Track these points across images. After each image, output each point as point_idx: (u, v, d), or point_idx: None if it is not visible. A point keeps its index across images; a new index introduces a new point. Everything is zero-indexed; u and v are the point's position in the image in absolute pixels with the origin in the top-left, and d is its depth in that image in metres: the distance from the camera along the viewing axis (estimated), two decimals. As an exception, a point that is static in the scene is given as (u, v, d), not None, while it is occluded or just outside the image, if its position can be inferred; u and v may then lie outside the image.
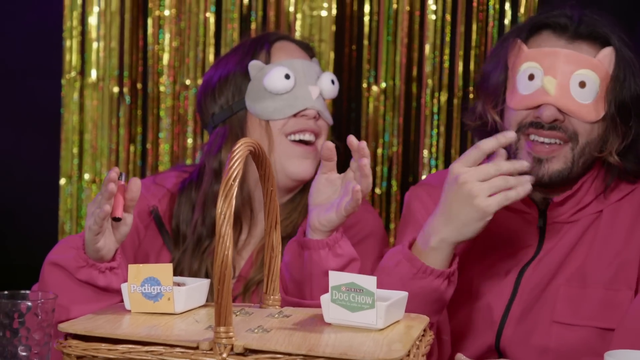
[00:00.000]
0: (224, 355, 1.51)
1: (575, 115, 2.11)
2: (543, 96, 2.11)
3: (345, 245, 2.10)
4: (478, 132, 2.26)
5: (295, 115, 2.31)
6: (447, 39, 2.97)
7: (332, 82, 2.37)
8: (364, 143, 2.04)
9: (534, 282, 2.17)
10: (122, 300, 1.79)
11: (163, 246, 2.37)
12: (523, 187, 2.00)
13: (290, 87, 2.31)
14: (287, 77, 2.31)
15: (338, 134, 3.05)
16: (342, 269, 2.04)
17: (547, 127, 2.11)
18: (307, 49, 2.43)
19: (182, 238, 2.36)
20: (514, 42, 2.18)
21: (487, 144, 2.01)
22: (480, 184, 1.98)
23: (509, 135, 2.02)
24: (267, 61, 2.35)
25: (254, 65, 2.34)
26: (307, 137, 2.32)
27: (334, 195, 2.08)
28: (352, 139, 2.06)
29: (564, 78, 2.11)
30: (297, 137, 2.32)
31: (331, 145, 2.10)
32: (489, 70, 2.24)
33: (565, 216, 2.18)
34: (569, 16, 2.16)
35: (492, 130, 2.21)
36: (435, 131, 2.99)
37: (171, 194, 2.42)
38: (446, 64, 2.97)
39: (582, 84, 2.11)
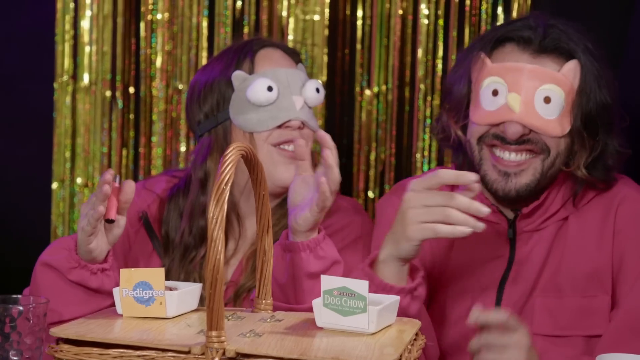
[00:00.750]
0: (216, 359, 1.50)
1: (540, 131, 2.09)
2: (507, 113, 2.09)
3: (328, 248, 2.09)
4: (444, 144, 2.26)
5: (279, 127, 2.29)
6: (440, 43, 2.97)
7: (317, 90, 2.34)
8: (325, 135, 2.04)
9: (514, 299, 2.16)
10: (113, 303, 1.79)
11: (153, 252, 2.36)
12: (462, 229, 1.91)
13: (274, 98, 2.28)
14: (270, 89, 2.28)
15: (332, 137, 3.05)
16: (324, 271, 2.04)
17: (514, 142, 2.09)
18: (294, 54, 2.41)
19: (171, 245, 2.36)
20: (478, 55, 2.16)
21: (445, 176, 1.95)
22: (418, 210, 1.93)
23: (470, 178, 1.93)
24: (251, 71, 2.32)
25: (237, 76, 2.31)
26: (292, 147, 2.28)
27: (309, 195, 2.08)
28: (318, 133, 2.06)
29: (528, 94, 2.09)
30: (282, 147, 2.30)
31: (302, 143, 2.11)
32: (452, 82, 2.23)
33: (533, 225, 2.17)
34: (532, 28, 2.13)
35: (454, 143, 2.21)
36: (427, 135, 2.99)
37: (161, 200, 2.42)
38: (439, 68, 2.98)
39: (547, 100, 2.09)
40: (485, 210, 1.91)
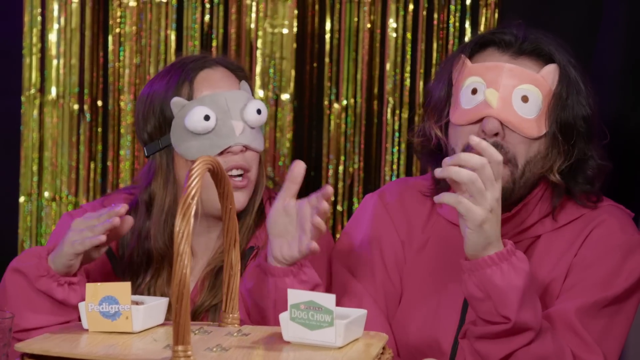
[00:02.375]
0: (182, 374, 1.50)
1: (516, 128, 2.09)
2: (485, 109, 2.10)
3: (309, 271, 2.09)
4: (424, 150, 2.26)
5: (221, 153, 2.26)
6: (408, 56, 2.98)
7: (258, 111, 2.29)
8: (330, 189, 2.06)
9: None
10: (79, 319, 1.78)
11: (111, 272, 2.35)
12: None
13: (211, 127, 2.24)
14: (207, 118, 2.23)
15: (299, 152, 3.05)
16: None
17: (490, 142, 2.07)
18: (237, 70, 2.37)
19: (125, 265, 2.34)
20: (459, 57, 2.19)
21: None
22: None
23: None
24: (190, 96, 2.27)
25: (176, 103, 2.26)
26: (235, 172, 2.27)
27: (290, 226, 2.07)
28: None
29: (506, 91, 2.10)
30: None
31: (302, 166, 2.10)
32: (433, 85, 2.25)
33: (506, 237, 2.09)
34: (514, 34, 2.16)
35: (434, 146, 2.22)
36: (396, 148, 2.99)
37: None
38: (407, 82, 2.98)
39: (525, 99, 2.10)
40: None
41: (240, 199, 2.27)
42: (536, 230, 2.18)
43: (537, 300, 2.00)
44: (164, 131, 2.29)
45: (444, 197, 1.95)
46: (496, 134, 2.09)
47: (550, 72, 2.13)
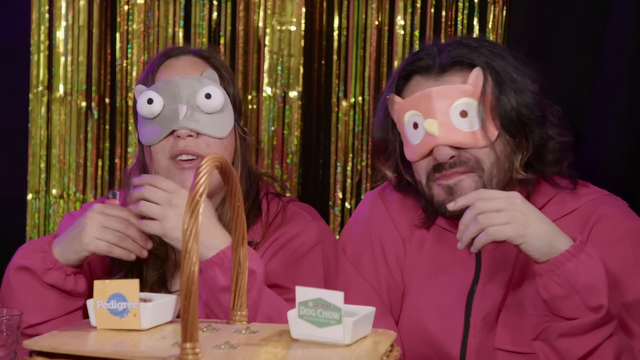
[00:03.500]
0: (190, 371, 1.50)
1: (466, 145, 2.10)
2: (431, 140, 2.11)
3: None
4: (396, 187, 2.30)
5: (169, 137, 2.24)
6: (416, 53, 2.97)
7: (207, 95, 2.25)
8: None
9: (484, 313, 2.15)
10: (83, 307, 1.79)
11: (109, 263, 2.35)
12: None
13: (157, 110, 2.24)
14: (150, 101, 2.24)
15: (307, 149, 3.05)
16: None
17: (448, 166, 2.11)
18: (206, 58, 2.34)
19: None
20: (390, 98, 2.20)
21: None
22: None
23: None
24: (152, 83, 2.29)
25: (137, 90, 2.29)
26: (185, 157, 2.24)
27: None
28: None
29: (443, 115, 2.11)
30: (178, 158, 2.24)
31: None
32: (378, 136, 2.26)
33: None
34: (430, 55, 2.16)
35: (405, 184, 2.27)
36: (404, 146, 2.99)
37: None
38: (415, 79, 2.98)
39: (464, 114, 2.11)
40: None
41: (190, 177, 2.20)
42: None
43: (614, 288, 2.00)
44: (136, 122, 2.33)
45: (478, 245, 1.95)
46: (452, 157, 2.10)
47: (476, 77, 2.12)
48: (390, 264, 2.27)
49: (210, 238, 2.07)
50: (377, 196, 2.36)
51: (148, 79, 2.30)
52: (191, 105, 2.24)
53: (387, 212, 2.32)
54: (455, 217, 2.13)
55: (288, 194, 2.58)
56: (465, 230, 1.95)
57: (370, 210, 2.34)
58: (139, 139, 2.32)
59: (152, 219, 2.11)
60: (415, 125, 2.14)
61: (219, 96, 2.26)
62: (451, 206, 1.99)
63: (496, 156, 2.11)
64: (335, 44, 3.03)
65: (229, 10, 3.07)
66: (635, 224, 2.15)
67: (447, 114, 2.10)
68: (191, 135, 2.23)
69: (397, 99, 2.18)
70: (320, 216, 2.44)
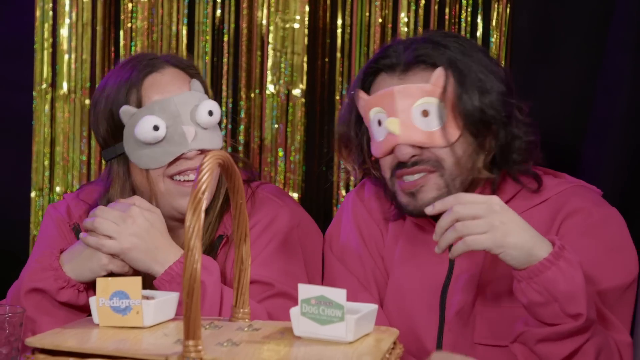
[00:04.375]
0: (193, 369, 1.50)
1: (426, 145, 2.10)
2: (392, 139, 2.11)
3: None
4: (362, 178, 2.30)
5: (175, 159, 2.21)
6: (420, 51, 2.97)
7: (210, 113, 2.22)
8: None
9: (457, 307, 2.15)
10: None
11: None
12: None
13: (162, 135, 2.18)
14: (156, 128, 2.17)
15: (311, 147, 3.05)
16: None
17: (410, 164, 2.11)
18: (188, 68, 2.30)
19: None
20: (356, 93, 2.19)
21: None
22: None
23: None
24: (139, 103, 2.21)
25: (125, 112, 2.20)
26: (191, 176, 2.22)
27: None
28: None
29: (404, 114, 2.10)
30: (181, 177, 2.22)
31: None
32: (341, 130, 2.26)
33: None
34: (395, 52, 2.16)
35: (364, 175, 2.28)
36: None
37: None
38: (418, 77, 2.97)
39: (425, 113, 2.10)
40: None
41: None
42: None
43: (591, 292, 1.98)
44: (118, 138, 2.24)
45: (455, 253, 1.92)
46: (413, 156, 2.10)
47: (439, 77, 2.11)
48: (374, 256, 2.29)
49: (161, 253, 2.11)
50: (355, 194, 2.38)
51: (131, 98, 2.21)
52: (194, 124, 2.21)
53: (364, 207, 2.34)
54: (421, 216, 2.14)
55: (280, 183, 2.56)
56: (442, 236, 1.92)
57: (351, 206, 2.36)
58: (114, 159, 2.27)
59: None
60: (379, 123, 2.14)
61: (218, 110, 2.24)
62: (429, 210, 1.96)
63: (458, 156, 2.11)
64: (339, 41, 3.03)
65: (232, 8, 3.07)
66: (606, 212, 2.14)
67: (408, 113, 2.10)
68: (198, 154, 2.22)
69: (362, 95, 2.17)
70: (290, 197, 2.43)
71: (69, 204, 2.38)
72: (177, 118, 2.19)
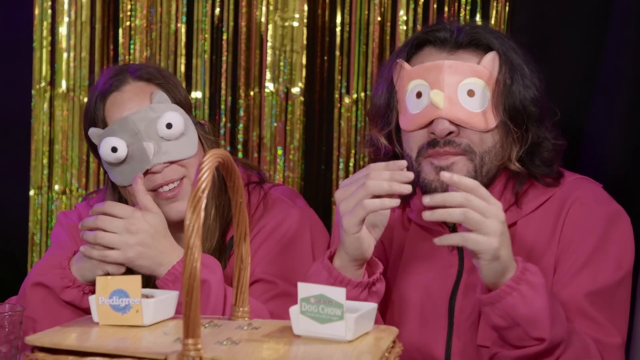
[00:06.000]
0: (192, 367, 1.50)
1: (467, 125, 2.07)
2: (433, 111, 2.07)
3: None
4: (376, 159, 2.22)
5: (145, 174, 2.21)
6: (418, 49, 2.97)
7: (169, 125, 2.21)
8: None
9: (468, 310, 2.13)
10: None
11: None
12: (389, 201, 1.91)
13: (123, 156, 2.20)
14: (114, 150, 2.19)
15: (310, 145, 3.05)
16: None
17: (442, 143, 2.07)
18: (154, 79, 2.29)
19: None
20: (397, 63, 2.16)
21: (376, 167, 1.95)
22: (343, 202, 1.94)
23: (400, 164, 1.93)
24: (104, 123, 2.24)
25: (93, 135, 2.24)
26: (166, 188, 2.23)
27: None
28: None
29: (451, 89, 2.07)
30: (158, 190, 2.23)
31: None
32: (373, 93, 2.23)
33: None
34: (448, 29, 2.13)
35: (385, 156, 2.19)
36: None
37: None
38: (417, 75, 2.97)
39: (471, 93, 2.08)
40: (409, 174, 1.90)
41: (180, 208, 2.22)
42: (510, 218, 2.11)
43: (560, 309, 1.97)
44: (97, 156, 2.28)
45: (449, 240, 1.89)
46: (449, 133, 2.07)
47: (490, 61, 2.10)
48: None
49: (165, 256, 2.11)
50: None
51: (97, 118, 2.24)
52: (154, 139, 2.21)
53: None
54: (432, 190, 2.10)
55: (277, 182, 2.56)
56: (446, 211, 1.87)
57: None
58: (105, 171, 2.29)
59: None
60: (419, 95, 2.10)
61: (179, 120, 2.23)
62: (427, 201, 1.88)
63: (492, 144, 2.09)
64: (338, 39, 3.03)
65: (231, 6, 3.07)
66: (607, 209, 2.13)
67: (454, 89, 2.07)
68: (166, 166, 2.22)
69: (405, 65, 2.14)
70: (302, 199, 2.43)
71: (80, 211, 2.40)
72: (136, 135, 2.20)
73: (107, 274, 2.10)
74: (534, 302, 1.88)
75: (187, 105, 2.30)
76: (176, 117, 2.22)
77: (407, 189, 1.90)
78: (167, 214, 2.21)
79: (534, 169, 2.14)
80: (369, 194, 1.91)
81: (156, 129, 2.21)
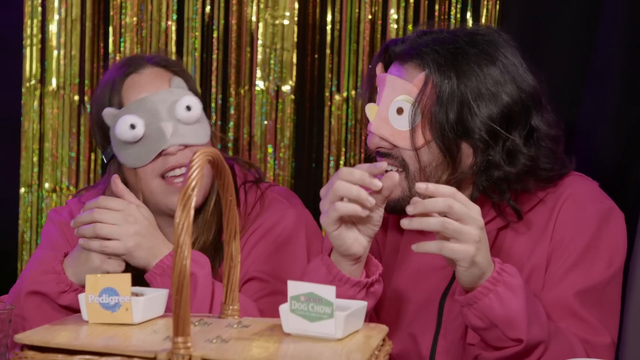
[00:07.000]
0: (182, 365, 1.50)
1: (391, 142, 2.06)
2: (370, 124, 2.10)
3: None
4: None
5: (158, 156, 2.22)
6: (409, 48, 2.97)
7: (188, 108, 2.23)
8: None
9: (456, 311, 2.10)
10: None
11: None
12: (354, 207, 1.88)
13: (140, 134, 2.21)
14: (133, 126, 2.20)
15: (300, 143, 3.05)
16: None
17: (382, 153, 2.08)
18: (171, 66, 2.32)
19: None
20: (378, 66, 2.16)
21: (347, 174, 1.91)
22: (322, 201, 1.93)
23: (380, 167, 1.89)
24: (120, 105, 2.24)
25: (107, 115, 2.24)
26: (177, 172, 2.23)
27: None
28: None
29: (384, 105, 2.08)
30: (169, 174, 2.23)
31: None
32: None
33: None
34: (407, 40, 2.12)
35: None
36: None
37: None
38: (408, 73, 2.97)
39: (400, 111, 2.06)
40: (377, 183, 1.87)
41: None
42: (499, 222, 2.11)
43: (540, 309, 1.96)
44: (109, 140, 2.27)
45: (426, 248, 1.87)
46: (379, 147, 2.08)
47: (421, 80, 2.05)
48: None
49: (158, 249, 2.12)
50: None
51: (113, 100, 2.25)
52: (173, 120, 2.22)
53: None
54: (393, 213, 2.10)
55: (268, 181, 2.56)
56: (425, 220, 1.84)
57: None
58: (109, 161, 2.30)
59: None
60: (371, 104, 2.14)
61: (198, 105, 2.25)
62: (410, 210, 1.86)
63: (423, 164, 2.05)
64: (329, 37, 3.03)
65: (222, 4, 3.07)
66: (600, 206, 2.12)
67: (387, 105, 2.08)
68: (180, 149, 2.23)
69: (378, 69, 2.15)
70: (299, 200, 2.42)
71: (71, 208, 2.39)
72: (155, 115, 2.21)
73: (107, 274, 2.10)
74: (510, 303, 1.88)
75: (200, 98, 2.31)
76: (195, 101, 2.25)
77: (377, 185, 1.87)
78: (174, 203, 2.19)
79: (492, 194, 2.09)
80: (337, 196, 1.89)
81: (175, 111, 2.23)
